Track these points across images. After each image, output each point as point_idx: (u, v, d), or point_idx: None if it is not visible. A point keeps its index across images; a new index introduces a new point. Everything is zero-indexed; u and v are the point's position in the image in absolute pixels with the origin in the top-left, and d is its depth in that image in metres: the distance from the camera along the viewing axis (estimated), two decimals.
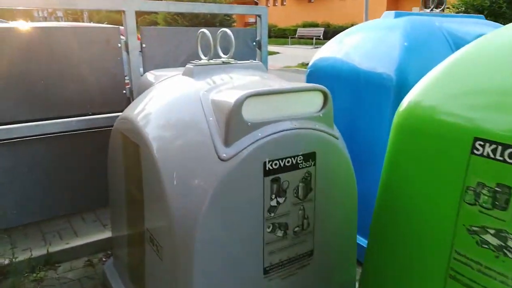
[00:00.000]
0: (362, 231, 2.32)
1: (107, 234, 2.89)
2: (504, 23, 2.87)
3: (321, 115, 1.77)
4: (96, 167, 2.58)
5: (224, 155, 1.52)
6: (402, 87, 2.40)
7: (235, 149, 1.53)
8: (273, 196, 1.67)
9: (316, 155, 1.76)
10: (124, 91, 2.71)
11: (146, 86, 2.18)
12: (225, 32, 2.01)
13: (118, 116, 2.12)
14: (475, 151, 1.29)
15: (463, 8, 10.35)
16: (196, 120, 1.63)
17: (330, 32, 24.14)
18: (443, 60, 2.55)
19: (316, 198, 1.81)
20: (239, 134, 1.55)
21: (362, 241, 2.62)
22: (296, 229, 1.79)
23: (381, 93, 2.49)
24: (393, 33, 2.55)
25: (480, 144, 1.27)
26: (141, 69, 2.76)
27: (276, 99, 1.65)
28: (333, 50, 2.92)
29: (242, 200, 1.58)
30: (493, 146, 1.22)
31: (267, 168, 1.61)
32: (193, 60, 2.03)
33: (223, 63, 2.02)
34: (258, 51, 3.16)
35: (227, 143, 1.54)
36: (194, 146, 1.59)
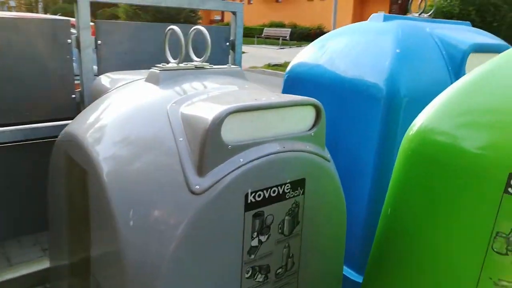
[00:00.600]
0: (345, 260, 2.06)
1: (47, 262, 2.43)
2: None
3: (312, 134, 1.49)
4: (36, 185, 2.15)
5: (197, 187, 1.20)
6: (393, 99, 2.16)
7: (211, 180, 1.21)
8: (255, 235, 1.37)
9: (306, 182, 1.47)
10: (74, 96, 2.30)
11: (99, 92, 1.80)
12: (200, 30, 1.67)
13: (65, 125, 1.74)
14: (510, 190, 1.05)
15: (432, 15, 10.44)
16: (161, 141, 1.29)
17: (297, 33, 24.21)
18: (435, 70, 2.35)
19: (303, 232, 1.53)
20: (217, 160, 1.23)
21: (346, 271, 2.36)
22: (279, 270, 1.49)
23: (369, 105, 2.23)
24: (383, 38, 2.30)
25: None
26: (96, 68, 2.37)
27: (261, 116, 1.34)
28: (314, 54, 2.64)
29: (217, 242, 1.26)
30: None
31: (249, 201, 1.31)
32: (159, 63, 1.68)
33: (196, 67, 1.68)
34: (231, 52, 2.84)
35: (201, 172, 1.21)
36: (158, 175, 1.25)
